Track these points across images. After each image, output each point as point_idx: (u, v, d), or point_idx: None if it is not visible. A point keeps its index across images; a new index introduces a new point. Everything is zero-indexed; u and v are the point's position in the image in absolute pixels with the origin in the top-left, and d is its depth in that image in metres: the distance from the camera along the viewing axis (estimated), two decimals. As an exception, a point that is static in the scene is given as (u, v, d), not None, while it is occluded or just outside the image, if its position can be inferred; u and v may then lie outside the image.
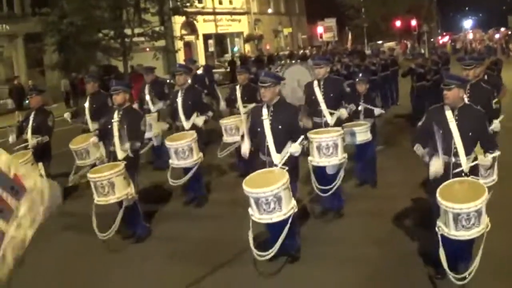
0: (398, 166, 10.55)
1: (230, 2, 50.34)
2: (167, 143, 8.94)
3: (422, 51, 40.09)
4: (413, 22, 53.49)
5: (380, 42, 52.95)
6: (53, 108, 19.97)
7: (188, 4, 32.76)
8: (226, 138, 10.33)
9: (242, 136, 6.99)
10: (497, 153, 5.80)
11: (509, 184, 8.07)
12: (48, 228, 8.60)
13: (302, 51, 46.94)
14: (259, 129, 6.71)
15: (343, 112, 8.41)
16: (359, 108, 9.46)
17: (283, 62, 17.82)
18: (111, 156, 7.95)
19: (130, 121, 7.89)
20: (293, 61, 19.32)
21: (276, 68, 15.33)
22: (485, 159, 5.77)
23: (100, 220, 7.57)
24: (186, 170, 9.03)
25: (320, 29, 52.83)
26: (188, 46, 43.16)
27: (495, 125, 7.34)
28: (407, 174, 9.59)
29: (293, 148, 6.48)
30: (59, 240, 8.25)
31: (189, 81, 10.56)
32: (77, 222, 8.68)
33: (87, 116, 10.52)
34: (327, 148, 7.60)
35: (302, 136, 6.57)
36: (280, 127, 6.58)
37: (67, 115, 11.20)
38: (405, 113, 16.37)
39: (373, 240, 7.30)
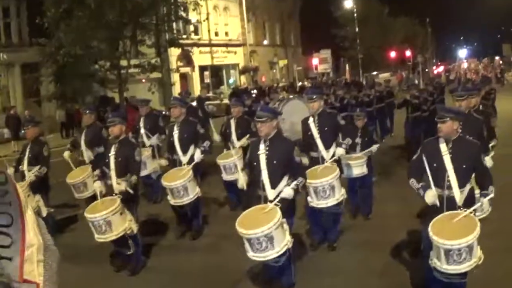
0: (393, 196, 10.53)
1: (226, 34, 50.62)
2: (163, 182, 8.98)
3: (416, 81, 40.34)
4: (408, 53, 53.94)
5: (375, 73, 53.35)
6: (49, 139, 19.97)
7: (184, 36, 32.93)
8: (226, 177, 10.20)
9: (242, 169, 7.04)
10: (491, 194, 5.75)
11: (507, 209, 8.12)
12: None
13: (300, 83, 47.22)
14: (255, 163, 6.71)
15: (339, 152, 8.28)
16: (356, 140, 9.42)
17: (281, 97, 17.83)
18: (109, 189, 7.86)
19: (125, 153, 7.88)
20: (291, 96, 19.38)
21: (274, 104, 15.30)
22: (483, 206, 5.80)
23: (98, 250, 7.57)
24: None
25: (315, 61, 53.20)
26: (184, 77, 43.34)
27: (488, 162, 7.19)
28: (403, 205, 9.60)
29: (286, 193, 6.43)
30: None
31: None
32: (72, 254, 8.62)
33: (83, 148, 10.46)
34: (324, 191, 7.66)
35: (299, 180, 6.55)
36: (275, 162, 6.55)
37: (66, 155, 10.59)
38: (400, 144, 16.40)
39: (368, 271, 7.30)
